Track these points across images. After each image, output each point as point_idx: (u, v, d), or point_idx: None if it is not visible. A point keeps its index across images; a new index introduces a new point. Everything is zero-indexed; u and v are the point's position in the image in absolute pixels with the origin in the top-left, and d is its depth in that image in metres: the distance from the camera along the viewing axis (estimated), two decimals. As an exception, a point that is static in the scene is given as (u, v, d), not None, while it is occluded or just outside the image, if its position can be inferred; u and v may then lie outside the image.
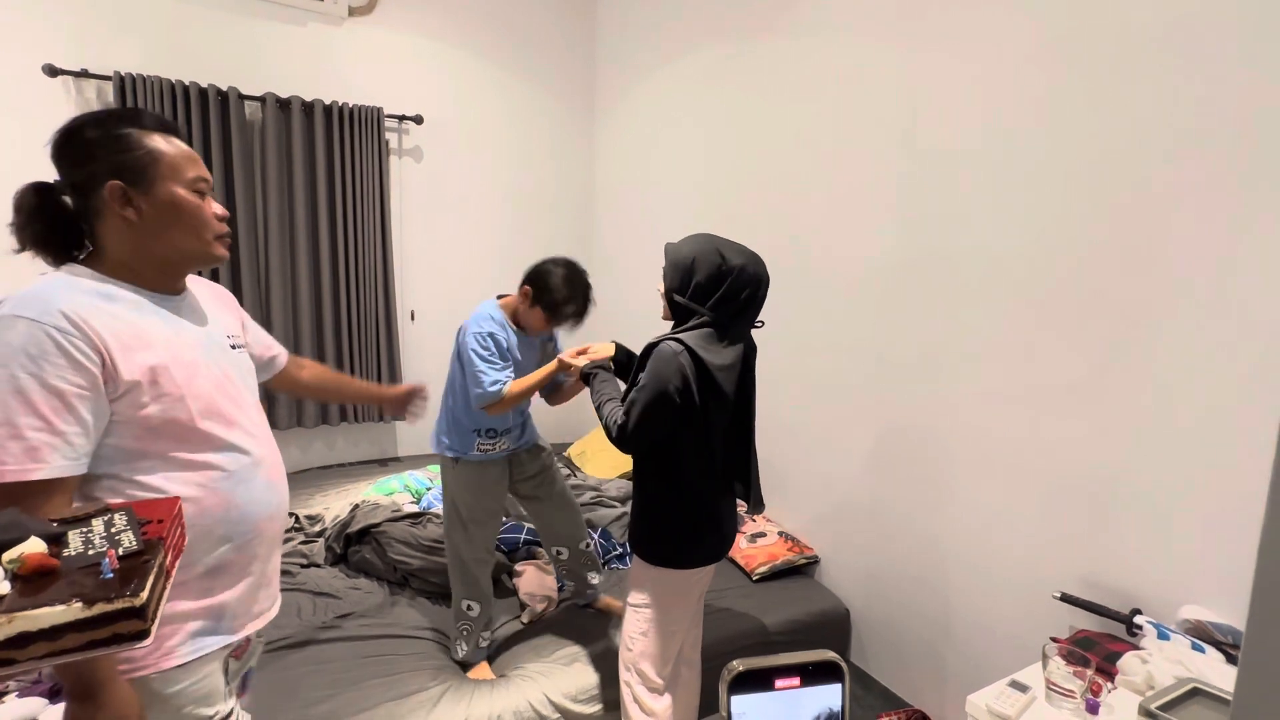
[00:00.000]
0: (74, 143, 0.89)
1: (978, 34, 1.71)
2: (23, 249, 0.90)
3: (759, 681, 0.35)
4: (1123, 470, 1.47)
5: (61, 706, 1.49)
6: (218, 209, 0.99)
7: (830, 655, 0.36)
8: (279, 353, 1.30)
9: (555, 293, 1.71)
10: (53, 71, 2.54)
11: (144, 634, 0.57)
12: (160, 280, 0.95)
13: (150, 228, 0.91)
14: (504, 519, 2.52)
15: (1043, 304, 1.61)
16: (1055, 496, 1.60)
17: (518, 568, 2.26)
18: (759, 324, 1.47)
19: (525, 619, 2.03)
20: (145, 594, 0.56)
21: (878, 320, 2.07)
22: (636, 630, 1.51)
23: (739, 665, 0.35)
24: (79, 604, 0.53)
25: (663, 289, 1.44)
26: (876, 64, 2.01)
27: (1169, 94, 1.35)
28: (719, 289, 1.34)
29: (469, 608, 1.82)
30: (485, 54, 3.45)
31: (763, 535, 2.43)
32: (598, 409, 1.48)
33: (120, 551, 0.59)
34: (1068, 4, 1.51)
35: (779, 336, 2.45)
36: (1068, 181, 1.54)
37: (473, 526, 1.82)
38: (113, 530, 0.63)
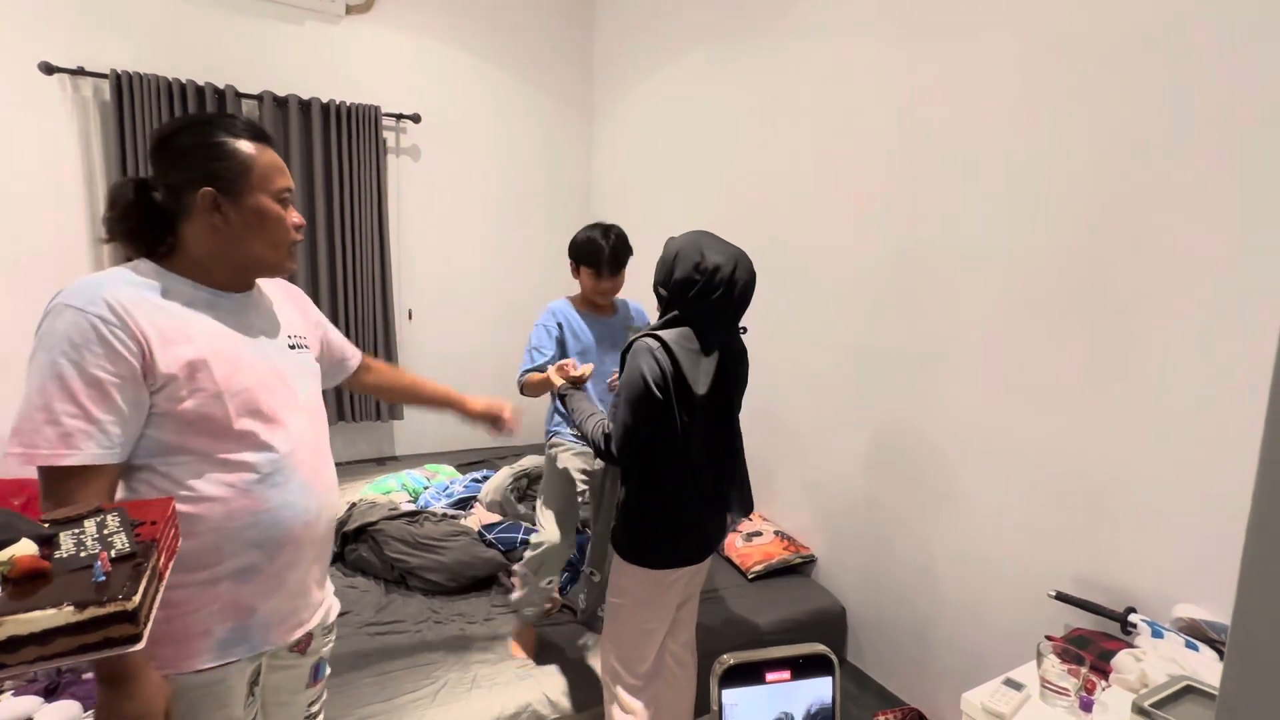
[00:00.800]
0: (170, 148, 0.92)
1: (972, 34, 1.71)
2: (111, 240, 0.94)
3: (750, 675, 0.35)
4: (1118, 469, 1.47)
5: (57, 705, 1.50)
6: (297, 218, 1.01)
7: (820, 648, 0.36)
8: (350, 355, 1.32)
9: (580, 244, 1.82)
10: (49, 69, 2.53)
11: (136, 638, 0.57)
12: (228, 280, 0.97)
13: (234, 234, 0.93)
14: (502, 519, 2.53)
15: (1039, 303, 1.61)
16: (1050, 495, 1.61)
17: (515, 567, 2.26)
18: (742, 329, 1.45)
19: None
20: (138, 598, 0.56)
21: (874, 319, 2.07)
22: (614, 628, 1.52)
23: (729, 659, 0.35)
24: (70, 608, 0.53)
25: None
26: (872, 64, 2.01)
27: (1163, 93, 1.35)
28: (693, 287, 1.32)
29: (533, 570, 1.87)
30: (483, 53, 3.44)
31: (759, 534, 2.43)
32: (579, 428, 1.46)
33: (113, 554, 0.58)
34: (1063, 4, 1.52)
35: (775, 335, 2.46)
36: (1064, 180, 1.54)
37: (555, 512, 1.89)
38: (105, 532, 0.62)
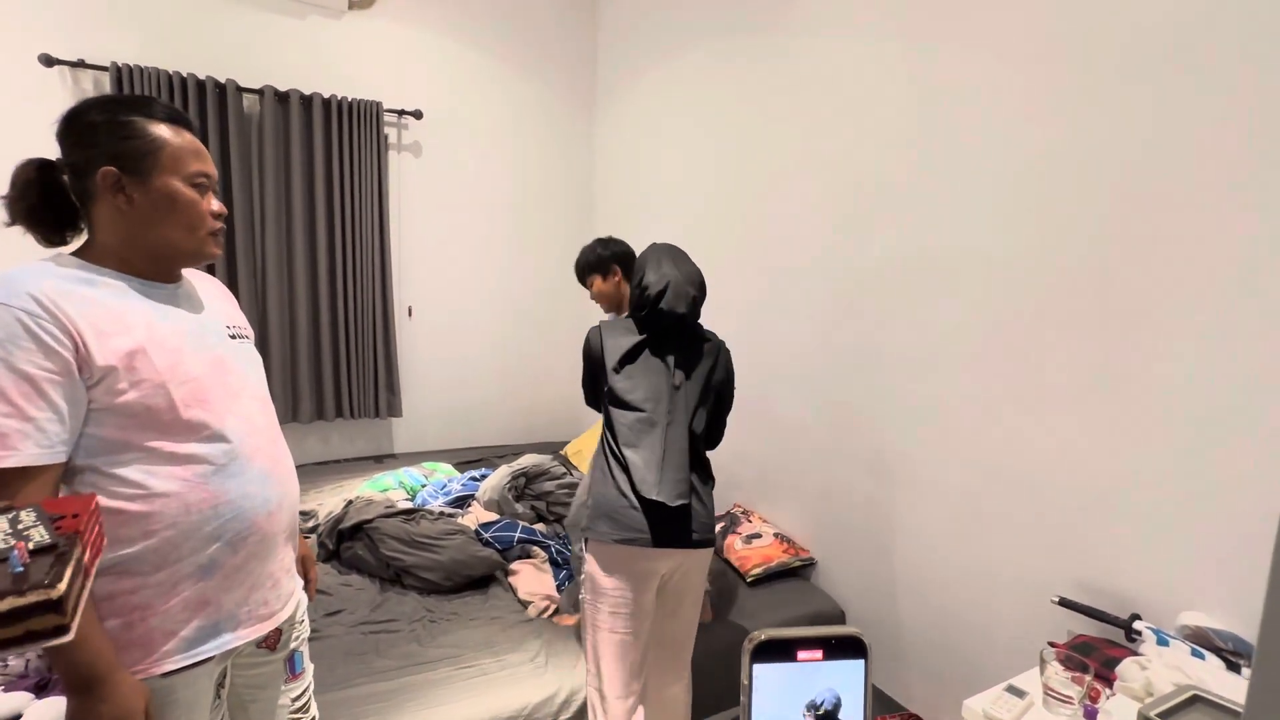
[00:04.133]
0: (77, 125, 0.88)
1: (979, 32, 1.69)
2: (13, 223, 0.90)
3: (781, 652, 0.35)
4: (1123, 474, 1.45)
5: (48, 701, 1.48)
6: (215, 206, 0.97)
7: (854, 631, 0.36)
8: None
9: (621, 255, 1.97)
10: (49, 61, 2.52)
11: (63, 629, 0.52)
12: (151, 270, 0.93)
13: (142, 218, 0.89)
14: (499, 517, 2.52)
15: (1043, 307, 1.59)
16: (1054, 500, 1.58)
17: (513, 566, 2.24)
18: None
19: (531, 614, 2.02)
20: (63, 585, 0.51)
21: (876, 322, 2.05)
22: (586, 625, 1.54)
23: (761, 634, 0.35)
24: None
25: None
26: (876, 61, 1.99)
27: (1169, 96, 1.33)
28: (639, 301, 1.55)
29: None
30: (485, 49, 3.43)
31: (758, 536, 2.41)
32: None
33: (31, 545, 0.54)
34: (1071, 5, 1.50)
35: (776, 338, 2.44)
36: (1070, 184, 1.52)
37: None
38: (19, 526, 0.58)
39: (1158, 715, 1.01)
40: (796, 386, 2.38)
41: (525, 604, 2.06)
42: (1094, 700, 1.15)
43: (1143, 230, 1.39)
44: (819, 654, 0.35)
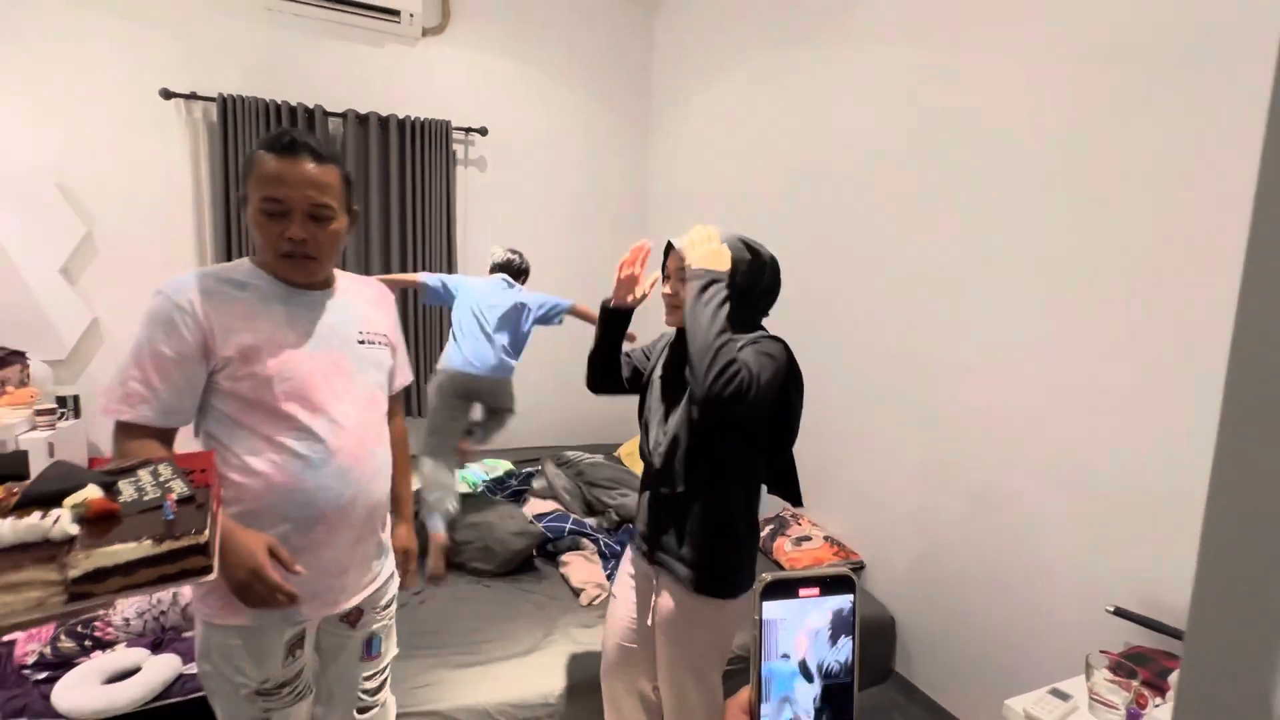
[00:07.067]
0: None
1: (1029, 35, 1.67)
2: None
3: (786, 590, 0.42)
4: (1183, 477, 1.39)
5: (163, 657, 1.68)
6: (291, 231, 1.01)
7: (844, 571, 0.43)
8: (395, 386, 1.28)
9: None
10: (167, 94, 2.85)
11: (208, 569, 0.62)
12: (283, 275, 1.07)
13: (253, 234, 1.06)
14: (553, 509, 2.63)
15: (1098, 304, 1.54)
16: (1111, 505, 1.53)
17: (564, 559, 2.35)
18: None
19: (584, 602, 2.12)
20: (208, 532, 0.61)
21: (926, 324, 2.03)
22: (705, 698, 1.26)
23: (768, 577, 0.42)
24: (149, 541, 0.59)
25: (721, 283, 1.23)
26: (930, 67, 1.99)
27: (1228, 85, 1.28)
28: (775, 292, 1.38)
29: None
30: (547, 69, 3.60)
31: (808, 539, 2.42)
32: (708, 331, 1.13)
33: (176, 497, 0.65)
34: (1109, 7, 1.48)
35: (826, 340, 2.45)
36: (1120, 178, 1.47)
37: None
38: (161, 479, 0.68)
39: (1203, 720, 0.99)
40: (847, 391, 2.38)
41: (578, 592, 2.16)
42: (1141, 706, 1.13)
43: (1207, 227, 1.34)
44: (816, 591, 0.42)
